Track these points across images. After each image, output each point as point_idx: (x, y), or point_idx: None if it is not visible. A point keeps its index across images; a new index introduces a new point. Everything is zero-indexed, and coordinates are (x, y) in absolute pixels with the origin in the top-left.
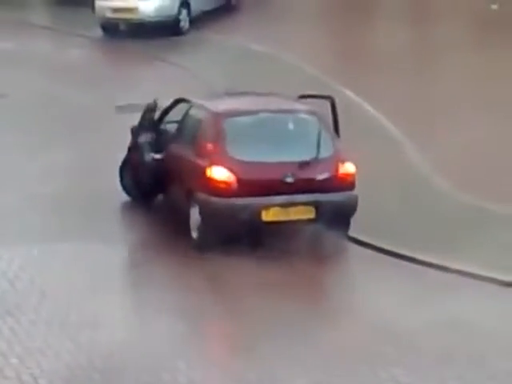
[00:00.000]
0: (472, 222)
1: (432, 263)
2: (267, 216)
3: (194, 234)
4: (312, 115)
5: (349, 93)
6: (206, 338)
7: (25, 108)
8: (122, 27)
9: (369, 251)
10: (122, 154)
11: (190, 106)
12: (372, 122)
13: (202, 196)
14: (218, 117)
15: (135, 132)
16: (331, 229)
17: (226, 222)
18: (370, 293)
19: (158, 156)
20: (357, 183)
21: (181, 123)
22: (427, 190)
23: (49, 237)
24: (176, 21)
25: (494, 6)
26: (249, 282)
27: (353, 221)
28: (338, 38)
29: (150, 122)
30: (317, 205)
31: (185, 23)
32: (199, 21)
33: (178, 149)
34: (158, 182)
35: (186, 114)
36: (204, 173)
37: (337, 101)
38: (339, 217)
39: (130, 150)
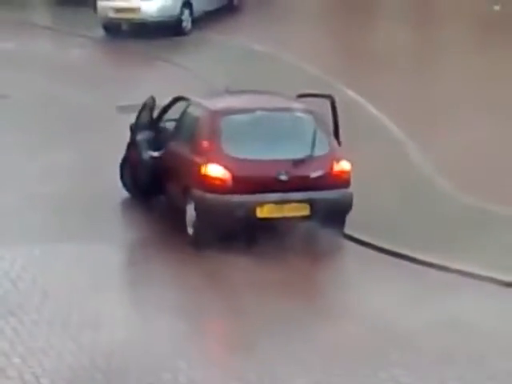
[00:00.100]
0: (473, 222)
1: (432, 263)
2: (262, 213)
3: (190, 231)
4: (308, 114)
5: (351, 93)
6: (206, 337)
7: (26, 108)
8: (124, 27)
9: (370, 251)
10: (122, 154)
11: (188, 104)
12: (374, 122)
13: (197, 193)
14: (215, 115)
15: (133, 129)
16: (326, 226)
17: (221, 219)
18: (371, 292)
19: (155, 154)
20: (358, 183)
21: (179, 121)
22: (429, 190)
23: (50, 237)
24: (178, 21)
25: (497, 7)
26: (247, 280)
27: (354, 220)
28: (340, 39)
29: (149, 120)
30: (311, 202)
31: (187, 23)
32: (201, 21)
33: (176, 146)
34: (156, 180)
35: (184, 112)
36: (200, 170)
37: (339, 101)
38: (334, 214)
39: (128, 147)
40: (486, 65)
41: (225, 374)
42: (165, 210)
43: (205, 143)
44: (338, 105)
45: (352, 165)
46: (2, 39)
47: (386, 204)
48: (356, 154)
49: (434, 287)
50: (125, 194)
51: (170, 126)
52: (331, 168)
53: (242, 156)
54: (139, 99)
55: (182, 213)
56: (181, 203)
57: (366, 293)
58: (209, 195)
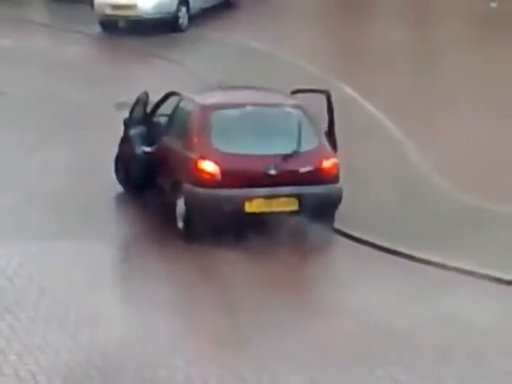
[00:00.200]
0: (472, 220)
1: (431, 261)
2: (250, 207)
3: (180, 224)
4: (298, 109)
5: (349, 91)
6: (202, 334)
7: (23, 105)
8: (121, 24)
9: (367, 248)
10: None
11: (180, 99)
12: (372, 120)
13: (187, 187)
14: (205, 109)
15: (126, 124)
16: (315, 221)
17: (210, 213)
18: (368, 290)
19: (148, 149)
20: (357, 181)
21: (171, 116)
22: (427, 188)
23: (47, 234)
24: (175, 18)
25: (494, 4)
26: (238, 275)
27: (352, 218)
28: (337, 37)
29: (142, 115)
30: (300, 197)
31: (184, 20)
32: (198, 18)
33: (168, 141)
34: (149, 175)
35: (176, 107)
36: (190, 164)
37: (337, 99)
38: (322, 209)
39: (121, 142)
40: (484, 62)
41: (221, 371)
42: (158, 205)
43: (195, 138)
44: (335, 103)
45: (350, 163)
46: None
47: (384, 202)
48: (354, 152)
49: (431, 285)
50: (120, 189)
51: (163, 121)
52: (320, 163)
53: (231, 151)
54: (136, 96)
55: (173, 207)
56: (171, 197)
57: (363, 290)
58: (198, 189)
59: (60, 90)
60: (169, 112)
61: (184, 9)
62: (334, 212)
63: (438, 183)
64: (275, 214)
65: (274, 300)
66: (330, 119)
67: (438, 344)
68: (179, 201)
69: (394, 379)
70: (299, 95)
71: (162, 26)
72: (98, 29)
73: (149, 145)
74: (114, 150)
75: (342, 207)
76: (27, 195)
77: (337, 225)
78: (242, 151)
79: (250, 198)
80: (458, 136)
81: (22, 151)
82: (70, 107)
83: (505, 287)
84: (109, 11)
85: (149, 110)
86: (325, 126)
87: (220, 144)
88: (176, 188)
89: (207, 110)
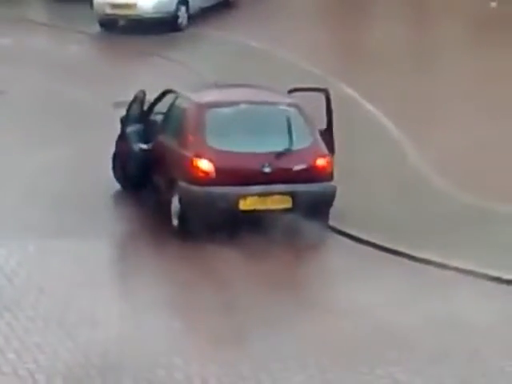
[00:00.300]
0: (472, 220)
1: (430, 260)
2: (244, 205)
3: (175, 222)
4: (292, 107)
5: (348, 91)
6: (200, 333)
7: (22, 104)
8: (121, 23)
9: (366, 248)
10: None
11: (176, 97)
12: (372, 120)
13: (182, 184)
14: (200, 107)
15: (123, 122)
16: (309, 219)
17: (204, 210)
18: (367, 289)
19: (145, 146)
20: (356, 181)
21: (167, 114)
22: (427, 188)
23: (46, 233)
24: (174, 17)
25: (494, 4)
26: (234, 272)
27: (351, 218)
28: (336, 36)
29: (139, 113)
30: (293, 195)
31: (183, 19)
32: (197, 17)
33: (164, 139)
34: (146, 173)
35: (172, 105)
36: (185, 162)
37: (337, 99)
38: (316, 207)
39: (118, 139)
40: (484, 62)
41: (221, 370)
42: (154, 203)
43: (190, 136)
44: (335, 102)
45: (350, 163)
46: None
47: (383, 202)
48: (353, 151)
49: (431, 285)
50: (117, 186)
51: (160, 118)
52: (314, 161)
53: (226, 148)
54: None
55: (169, 205)
56: (167, 195)
57: (362, 289)
58: (193, 187)
59: (59, 89)
60: (165, 110)
61: (183, 8)
62: (328, 210)
63: (437, 183)
64: (269, 212)
65: (271, 298)
66: (328, 118)
67: (438, 343)
68: (174, 198)
69: (393, 378)
70: (298, 94)
71: (162, 26)
72: (97, 28)
73: (146, 142)
74: (113, 149)
75: (341, 206)
76: (27, 194)
77: (335, 224)
78: (237, 149)
79: (244, 196)
80: (458, 136)
81: (22, 150)
82: (70, 106)
83: (505, 287)
84: (108, 10)
85: (146, 107)
86: (323, 124)
87: (215, 142)
88: (171, 186)
89: (202, 107)
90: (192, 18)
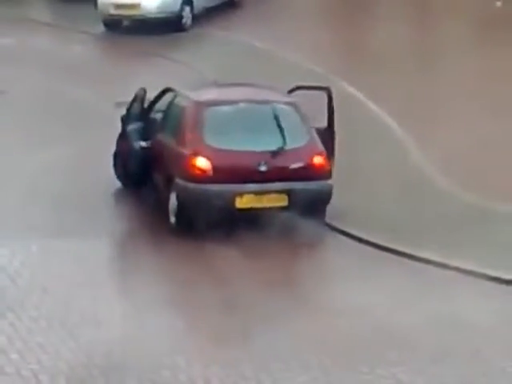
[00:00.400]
0: (473, 220)
1: (431, 260)
2: (241, 203)
3: (172, 219)
4: (290, 106)
5: (352, 90)
6: (202, 333)
7: (24, 104)
8: (125, 23)
9: (367, 247)
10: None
11: (175, 96)
12: (375, 119)
13: (179, 182)
14: (198, 106)
15: (124, 120)
16: (305, 217)
17: (201, 208)
18: (368, 289)
19: (144, 144)
20: (358, 180)
21: (166, 112)
22: (429, 187)
23: (49, 233)
24: (179, 17)
25: (499, 4)
26: (233, 270)
27: (352, 217)
28: (341, 36)
29: (140, 111)
30: (289, 193)
31: (187, 20)
32: (202, 17)
33: (163, 137)
34: (146, 170)
35: (171, 103)
36: (182, 160)
37: (340, 99)
38: (312, 205)
39: (119, 137)
40: (488, 62)
41: (223, 371)
42: (154, 200)
43: (188, 134)
44: (338, 102)
45: (353, 162)
46: (2, 35)
47: (385, 201)
48: (356, 151)
49: (432, 284)
50: (118, 184)
51: (160, 116)
52: (310, 159)
53: (223, 147)
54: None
55: (167, 202)
56: (165, 193)
57: (363, 288)
58: (190, 185)
59: (61, 89)
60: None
61: (188, 8)
62: (324, 208)
63: (440, 182)
64: (265, 210)
65: (271, 297)
66: (330, 116)
67: (439, 343)
68: (172, 196)
69: (396, 378)
70: (300, 93)
71: (166, 26)
72: (101, 28)
73: (146, 140)
74: (114, 148)
75: (342, 206)
76: (30, 194)
77: (336, 223)
78: (234, 147)
79: (241, 194)
80: (461, 135)
81: (23, 149)
82: (71, 106)
83: (506, 287)
84: (112, 11)
85: (146, 106)
86: (325, 123)
87: (212, 140)
88: (169, 183)
89: (201, 106)
90: (196, 18)
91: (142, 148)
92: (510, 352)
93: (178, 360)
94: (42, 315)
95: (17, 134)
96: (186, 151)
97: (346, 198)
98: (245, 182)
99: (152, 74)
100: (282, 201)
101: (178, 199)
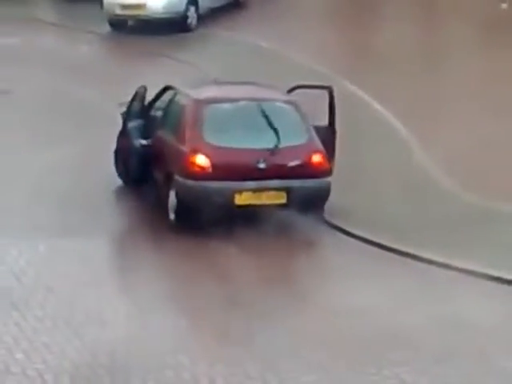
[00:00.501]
0: (476, 220)
1: (433, 260)
2: (240, 200)
3: (172, 216)
4: (289, 104)
5: (356, 91)
6: (205, 331)
7: (30, 104)
8: (130, 24)
9: (370, 247)
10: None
11: (175, 93)
12: (379, 120)
13: (179, 179)
14: (198, 103)
15: (124, 118)
16: (304, 214)
17: (200, 205)
18: (372, 290)
19: (145, 142)
20: (362, 180)
21: (166, 110)
22: (432, 188)
23: (55, 233)
24: (184, 17)
25: (504, 5)
26: (236, 268)
27: (355, 217)
28: (345, 36)
29: (140, 109)
30: (288, 190)
31: (193, 20)
32: (207, 18)
33: (163, 134)
34: (146, 168)
35: (171, 101)
36: (182, 157)
37: (345, 99)
38: (311, 203)
39: (119, 135)
40: (493, 63)
41: (228, 370)
42: (155, 198)
43: (187, 131)
44: (343, 102)
45: (356, 161)
46: (7, 34)
47: (388, 201)
48: (360, 150)
49: (434, 284)
50: (120, 182)
51: (160, 114)
52: (309, 157)
53: (222, 144)
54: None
55: (167, 199)
56: (165, 190)
57: (368, 291)
58: (189, 182)
59: (67, 89)
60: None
61: (193, 8)
62: (322, 205)
63: (443, 182)
64: (264, 207)
65: (272, 294)
66: (331, 115)
67: (442, 343)
68: (171, 193)
69: (400, 379)
70: (301, 92)
71: (171, 26)
72: (107, 28)
73: (146, 138)
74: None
75: (346, 205)
76: (36, 194)
77: (338, 222)
78: (233, 145)
79: (240, 191)
80: (465, 135)
81: (29, 149)
82: (77, 106)
83: (508, 287)
84: (118, 11)
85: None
86: (326, 121)
87: (212, 138)
88: (169, 180)
89: (200, 104)
90: (201, 19)
91: (142, 146)
92: None
93: (182, 359)
94: (47, 315)
95: (22, 133)
96: (186, 148)
97: (348, 197)
98: (244, 179)
99: (157, 73)
100: (281, 198)
101: (178, 196)
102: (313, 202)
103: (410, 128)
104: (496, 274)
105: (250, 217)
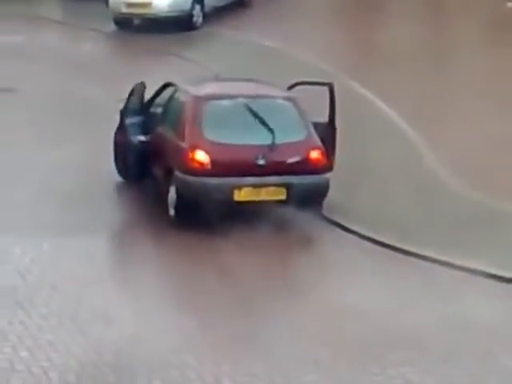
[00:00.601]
0: (482, 219)
1: (438, 259)
2: (239, 196)
3: (172, 212)
4: (288, 101)
5: (361, 90)
6: (211, 329)
7: (35, 102)
8: (136, 22)
9: (372, 245)
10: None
11: (175, 90)
12: (384, 119)
13: (179, 175)
14: (198, 100)
15: (122, 114)
16: (303, 210)
17: (200, 201)
18: (373, 288)
19: (143, 138)
20: (368, 179)
21: (165, 106)
22: (438, 187)
23: (60, 231)
24: (189, 16)
25: (510, 4)
26: (234, 264)
27: (361, 215)
28: (351, 35)
29: (139, 105)
30: (287, 186)
31: (198, 18)
32: (212, 16)
33: (162, 130)
34: (144, 164)
35: (171, 98)
36: (182, 153)
37: (350, 98)
38: (310, 199)
39: (117, 131)
40: (498, 62)
41: (234, 369)
42: (154, 194)
43: (187, 128)
44: (349, 101)
45: (362, 161)
46: (12, 32)
47: (394, 201)
48: (366, 150)
49: (439, 284)
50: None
51: (160, 110)
52: (308, 154)
53: (222, 141)
54: (149, 93)
55: (166, 195)
56: (164, 185)
57: (373, 290)
58: (189, 178)
59: (73, 87)
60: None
61: (198, 7)
62: (321, 202)
63: (449, 181)
64: (263, 203)
65: (274, 291)
66: (331, 111)
67: (447, 343)
68: (171, 188)
69: (405, 378)
70: (302, 89)
71: (177, 24)
72: (112, 27)
73: (145, 134)
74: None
75: (351, 204)
76: (40, 192)
77: (343, 221)
78: (233, 141)
79: (239, 187)
80: (472, 134)
81: (34, 147)
82: (82, 104)
83: (510, 286)
84: (124, 9)
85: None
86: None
87: (211, 134)
88: (168, 176)
89: (200, 100)
90: (207, 17)
91: (141, 142)
92: None
93: (187, 358)
94: (52, 312)
95: (27, 131)
96: (186, 145)
97: (352, 194)
98: (243, 175)
99: (163, 72)
100: (280, 194)
101: (177, 192)
102: (312, 198)
103: (416, 127)
104: (500, 273)
105: (249, 213)
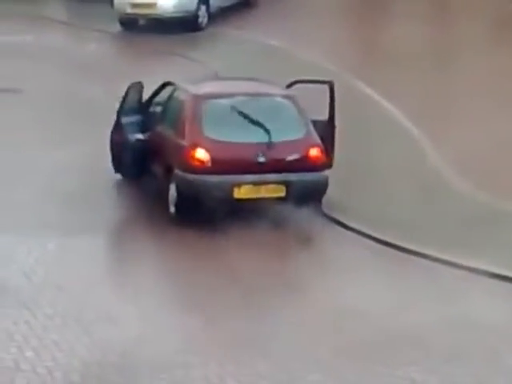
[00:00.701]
0: (487, 219)
1: (441, 259)
2: (239, 193)
3: (172, 209)
4: (287, 99)
5: (366, 89)
6: (215, 329)
7: (40, 102)
8: (141, 22)
9: (376, 245)
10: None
11: (175, 89)
12: (390, 119)
13: (179, 173)
14: (197, 99)
15: (118, 112)
16: (302, 207)
17: (200, 198)
18: (379, 288)
19: (141, 136)
20: (371, 179)
21: (165, 105)
22: (443, 187)
23: (64, 231)
24: (195, 16)
25: None
26: (234, 262)
27: (366, 215)
28: (356, 34)
29: (136, 104)
30: (287, 184)
31: (203, 19)
32: (218, 17)
33: (161, 129)
34: (142, 162)
35: (170, 96)
36: (182, 151)
37: (354, 98)
38: (309, 196)
39: (113, 130)
40: (502, 62)
41: (238, 368)
42: (154, 191)
43: (187, 126)
44: (354, 100)
45: (367, 161)
46: (17, 32)
47: (396, 199)
48: (371, 150)
49: (443, 283)
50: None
51: (159, 109)
52: (307, 151)
53: (221, 138)
54: (148, 93)
55: (167, 193)
56: (164, 183)
57: (377, 289)
58: (189, 176)
59: (77, 88)
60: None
61: (204, 7)
62: (320, 199)
63: (453, 181)
64: (263, 200)
65: (274, 289)
66: (331, 109)
67: (453, 343)
68: (171, 186)
69: (411, 378)
70: (302, 87)
71: (182, 25)
72: (117, 27)
73: (144, 133)
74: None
75: (354, 203)
76: (45, 192)
77: (342, 218)
78: (232, 139)
79: (239, 185)
80: (477, 134)
81: (38, 148)
82: (87, 105)
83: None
84: (129, 10)
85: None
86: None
87: (211, 132)
88: (169, 174)
89: (199, 99)
90: (212, 18)
91: (138, 140)
92: None
93: (191, 358)
94: (57, 312)
95: (32, 132)
96: (186, 143)
97: (355, 193)
98: (243, 173)
99: (168, 72)
100: (280, 191)
101: (178, 190)
102: (311, 196)
103: (420, 126)
104: (503, 272)
105: (248, 210)
